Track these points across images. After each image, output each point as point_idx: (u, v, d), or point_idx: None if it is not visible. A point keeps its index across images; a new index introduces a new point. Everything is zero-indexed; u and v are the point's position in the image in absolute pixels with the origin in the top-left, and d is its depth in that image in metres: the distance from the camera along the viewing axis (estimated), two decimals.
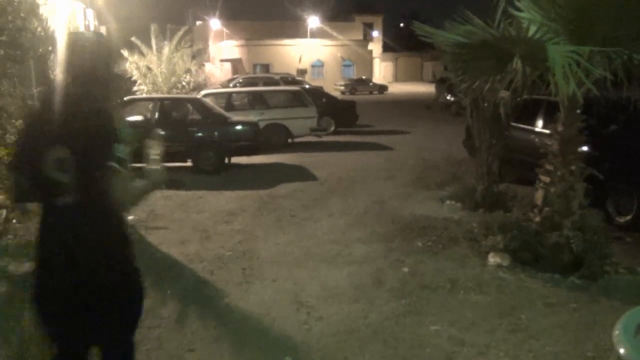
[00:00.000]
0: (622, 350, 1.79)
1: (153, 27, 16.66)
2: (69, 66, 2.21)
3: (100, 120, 2.16)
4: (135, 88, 16.20)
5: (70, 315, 2.14)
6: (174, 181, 8.40)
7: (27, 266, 5.39)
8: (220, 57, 46.50)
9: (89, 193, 2.08)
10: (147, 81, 16.35)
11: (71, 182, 2.06)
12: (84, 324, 2.16)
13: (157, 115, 10.16)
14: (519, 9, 5.51)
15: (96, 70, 2.22)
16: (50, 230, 2.15)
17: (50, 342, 2.30)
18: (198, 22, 47.57)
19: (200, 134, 10.30)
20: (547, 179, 5.37)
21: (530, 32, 5.01)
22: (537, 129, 8.05)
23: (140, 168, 2.28)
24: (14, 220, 6.65)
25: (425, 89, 43.18)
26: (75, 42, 2.27)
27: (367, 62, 52.26)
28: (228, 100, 13.37)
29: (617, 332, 1.87)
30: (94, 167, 2.08)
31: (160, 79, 16.42)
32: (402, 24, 66.89)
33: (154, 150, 2.38)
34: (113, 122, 2.19)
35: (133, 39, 16.39)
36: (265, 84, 21.28)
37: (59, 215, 2.12)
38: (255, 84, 21.00)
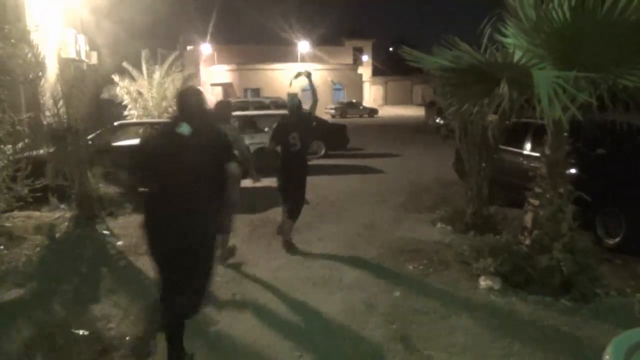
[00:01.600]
0: None
1: (144, 52, 16.71)
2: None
3: (306, 124, 6.73)
4: (125, 113, 16.19)
5: (295, 180, 6.65)
6: None
7: (14, 293, 5.31)
8: (211, 81, 46.73)
9: (303, 146, 6.49)
10: (137, 106, 16.32)
11: (298, 143, 6.42)
12: (298, 179, 6.70)
13: None
14: (505, 35, 5.61)
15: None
16: (287, 159, 6.55)
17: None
18: (189, 47, 47.83)
19: None
20: (536, 202, 5.40)
21: (516, 58, 5.09)
22: (525, 152, 8.13)
23: None
24: (1, 247, 6.57)
25: (415, 112, 43.57)
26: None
27: (357, 86, 52.77)
28: None
29: (607, 357, 1.87)
30: (307, 139, 6.62)
31: (151, 104, 16.39)
32: (391, 49, 67.72)
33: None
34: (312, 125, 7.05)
35: (124, 64, 16.43)
36: (256, 108, 21.37)
37: (292, 153, 6.48)
38: (246, 108, 21.09)
